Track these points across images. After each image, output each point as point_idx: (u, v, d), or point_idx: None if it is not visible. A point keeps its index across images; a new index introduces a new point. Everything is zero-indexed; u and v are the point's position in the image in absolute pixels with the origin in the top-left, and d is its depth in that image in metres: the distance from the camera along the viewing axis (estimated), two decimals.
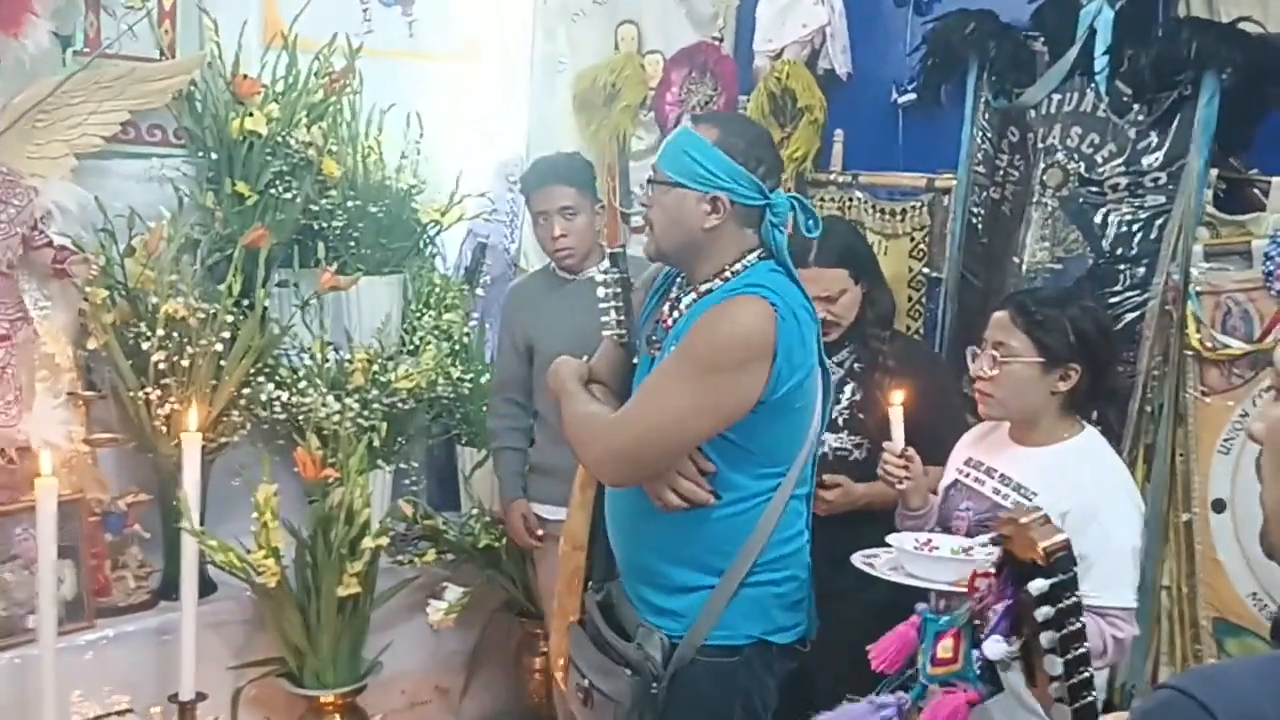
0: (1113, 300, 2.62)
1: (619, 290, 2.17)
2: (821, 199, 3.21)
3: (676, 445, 1.95)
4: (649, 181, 2.07)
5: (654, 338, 2.10)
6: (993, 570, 1.47)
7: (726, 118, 2.06)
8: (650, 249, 2.08)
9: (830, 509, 2.46)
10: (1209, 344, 2.51)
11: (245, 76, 3.22)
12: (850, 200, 3.16)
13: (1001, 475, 2.16)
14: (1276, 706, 0.90)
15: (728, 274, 2.00)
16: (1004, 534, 1.42)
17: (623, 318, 2.18)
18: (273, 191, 3.19)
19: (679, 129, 2.05)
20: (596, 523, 2.24)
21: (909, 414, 2.27)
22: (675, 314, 2.06)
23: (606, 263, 2.27)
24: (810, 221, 2.03)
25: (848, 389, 2.61)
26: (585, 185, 3.01)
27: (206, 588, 2.98)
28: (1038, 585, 1.33)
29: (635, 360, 2.16)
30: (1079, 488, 2.03)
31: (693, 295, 2.04)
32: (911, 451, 2.25)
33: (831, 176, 3.21)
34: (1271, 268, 2.43)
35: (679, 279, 2.13)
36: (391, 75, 3.62)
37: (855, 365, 2.62)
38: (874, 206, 3.12)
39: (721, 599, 2.00)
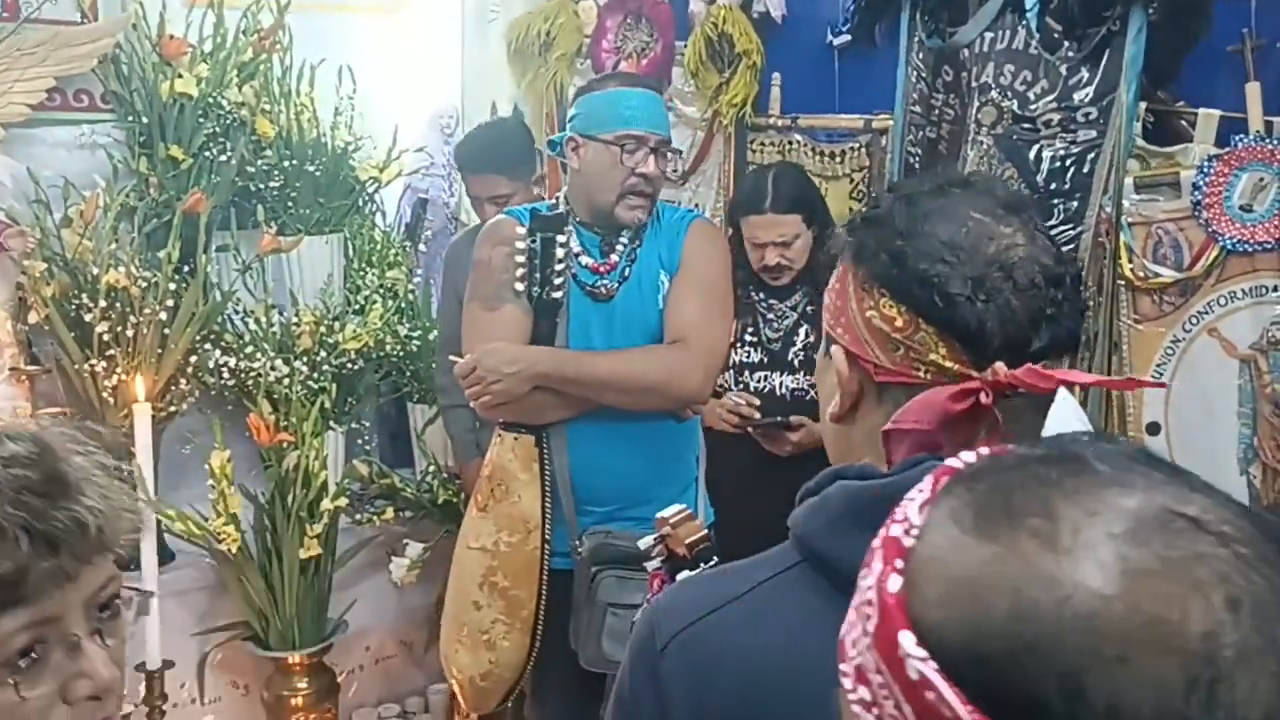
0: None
1: (561, 248, 2.18)
2: (761, 143, 3.23)
3: (728, 352, 2.29)
4: (662, 151, 2.18)
5: (595, 286, 2.21)
6: (662, 569, 1.51)
7: (631, 75, 2.49)
8: (645, 214, 2.20)
9: (796, 449, 2.53)
10: (1141, 274, 2.60)
11: (172, 37, 3.13)
12: (790, 144, 3.19)
13: None
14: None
15: None
16: (664, 533, 1.47)
17: (553, 273, 2.16)
18: (207, 154, 3.13)
19: (644, 92, 2.17)
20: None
21: None
22: (612, 257, 2.22)
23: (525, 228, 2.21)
24: None
25: (802, 331, 2.66)
26: (520, 166, 3.03)
27: (164, 556, 2.96)
28: (683, 578, 1.39)
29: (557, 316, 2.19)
30: None
31: (629, 234, 2.21)
32: None
33: (770, 120, 3.23)
34: (1199, 197, 2.52)
35: (572, 232, 2.18)
36: (319, 29, 3.54)
37: (808, 308, 2.68)
38: (813, 149, 3.16)
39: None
